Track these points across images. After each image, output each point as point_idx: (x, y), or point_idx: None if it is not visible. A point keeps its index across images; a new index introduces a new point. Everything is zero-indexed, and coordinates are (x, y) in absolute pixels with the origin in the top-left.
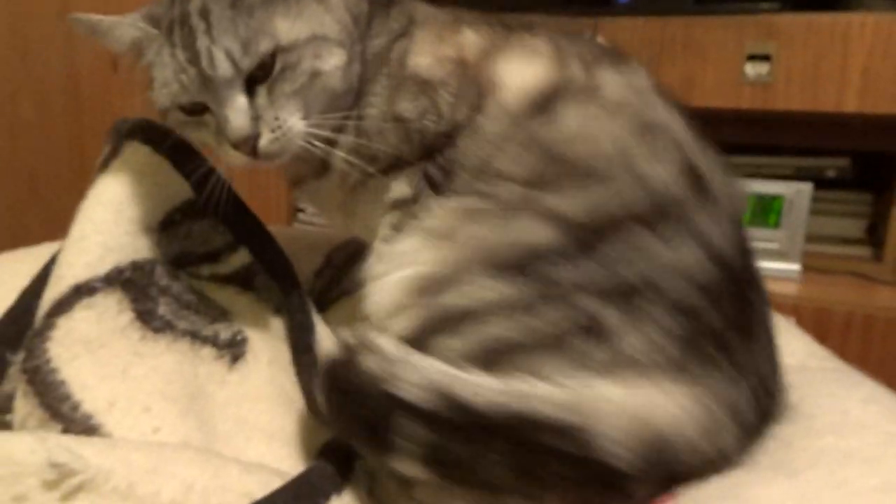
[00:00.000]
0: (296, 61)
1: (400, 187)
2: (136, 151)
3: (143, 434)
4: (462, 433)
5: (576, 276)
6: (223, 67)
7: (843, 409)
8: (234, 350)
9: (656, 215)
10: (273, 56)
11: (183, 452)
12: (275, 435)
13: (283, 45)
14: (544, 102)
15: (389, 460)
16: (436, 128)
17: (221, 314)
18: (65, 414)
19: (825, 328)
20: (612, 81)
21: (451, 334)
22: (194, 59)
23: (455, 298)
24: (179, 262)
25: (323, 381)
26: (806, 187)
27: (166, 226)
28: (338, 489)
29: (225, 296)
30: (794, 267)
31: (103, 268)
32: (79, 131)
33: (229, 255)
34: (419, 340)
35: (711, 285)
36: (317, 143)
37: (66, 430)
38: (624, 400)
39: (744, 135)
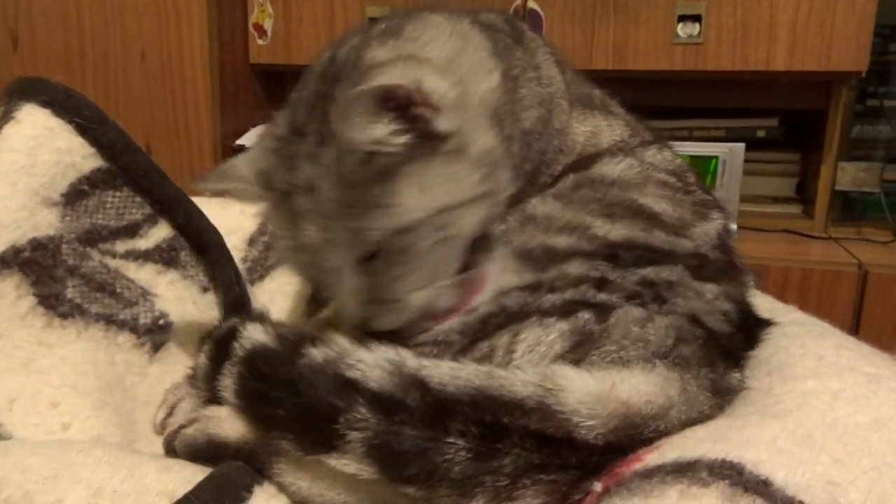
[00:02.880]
0: (413, 241)
1: None
2: (33, 114)
3: (51, 432)
4: (419, 415)
5: (585, 270)
6: (332, 259)
7: (818, 355)
8: (155, 337)
9: None
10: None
11: (90, 453)
12: None
13: (402, 226)
14: None
15: (327, 456)
16: None
17: (141, 296)
18: None
19: (763, 284)
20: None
21: None
22: (303, 246)
23: None
24: (90, 239)
25: (242, 368)
26: (739, 148)
27: (72, 198)
28: (258, 480)
29: (144, 275)
30: (731, 226)
31: None
32: None
33: (149, 229)
34: None
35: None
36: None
37: None
38: (595, 377)
39: (677, 97)
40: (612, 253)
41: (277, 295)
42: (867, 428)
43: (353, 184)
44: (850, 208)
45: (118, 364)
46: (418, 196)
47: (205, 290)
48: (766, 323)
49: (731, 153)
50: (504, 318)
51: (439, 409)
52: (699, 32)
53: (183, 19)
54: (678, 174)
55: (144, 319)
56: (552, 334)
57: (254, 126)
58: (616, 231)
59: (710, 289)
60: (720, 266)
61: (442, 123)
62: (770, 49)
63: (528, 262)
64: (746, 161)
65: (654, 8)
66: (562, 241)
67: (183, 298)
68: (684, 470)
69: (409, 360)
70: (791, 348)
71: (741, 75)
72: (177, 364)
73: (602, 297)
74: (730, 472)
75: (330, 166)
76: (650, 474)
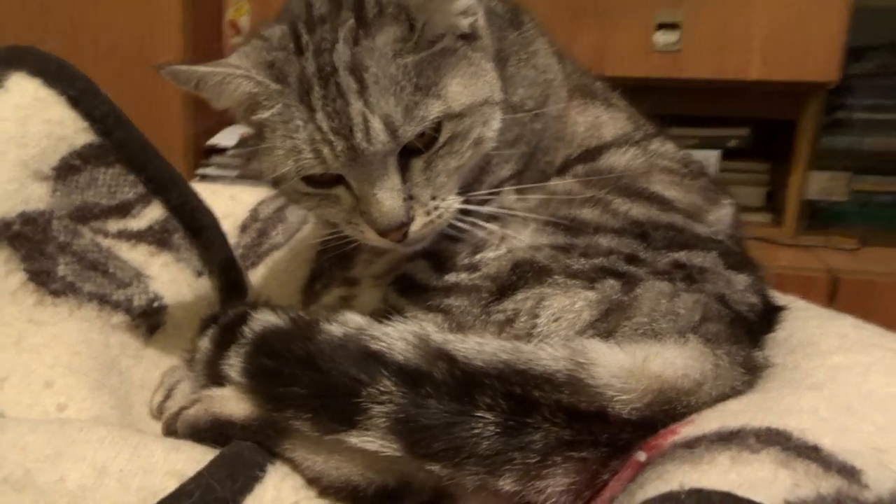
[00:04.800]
0: (466, 130)
1: None
2: (23, 84)
3: (46, 412)
4: (447, 388)
5: (616, 244)
6: (380, 139)
7: (839, 333)
8: (150, 319)
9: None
10: (439, 124)
11: (92, 431)
12: None
13: (454, 110)
14: None
15: (347, 434)
16: None
17: (135, 277)
18: None
19: None
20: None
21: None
22: (343, 127)
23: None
24: (81, 217)
25: (251, 348)
26: (713, 156)
27: (63, 173)
28: (270, 459)
29: (137, 256)
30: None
31: None
32: None
33: (142, 209)
34: None
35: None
36: (467, 220)
37: None
38: (626, 351)
39: (654, 104)
40: (643, 232)
41: (271, 282)
42: None
43: (405, 65)
44: (818, 217)
45: (113, 346)
46: (462, 88)
47: (199, 273)
48: (780, 308)
49: (705, 160)
50: (533, 273)
51: (467, 381)
52: (677, 41)
53: (157, 14)
54: (683, 163)
55: (139, 301)
56: (578, 302)
57: (227, 126)
58: (637, 209)
59: (741, 279)
60: (743, 256)
61: (481, 20)
62: (746, 59)
63: (559, 229)
64: (719, 169)
65: (633, 16)
66: (587, 214)
67: (177, 281)
68: (730, 438)
69: (434, 333)
70: (808, 329)
71: (717, 84)
72: (172, 347)
73: (631, 269)
74: (778, 439)
75: (379, 48)
76: (692, 444)
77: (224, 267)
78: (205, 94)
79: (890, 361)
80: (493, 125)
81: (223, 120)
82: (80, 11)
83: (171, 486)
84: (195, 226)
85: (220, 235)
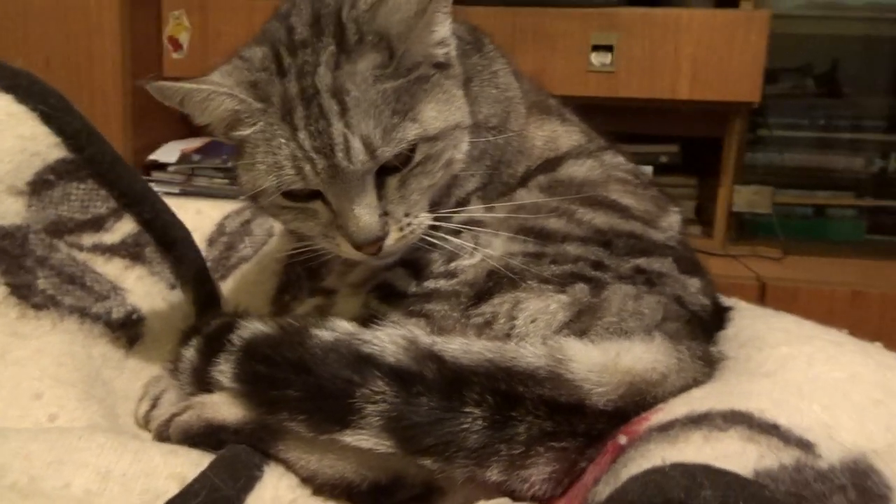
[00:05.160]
0: (439, 152)
1: None
2: None
3: (38, 424)
4: (436, 387)
5: (583, 252)
6: (360, 158)
7: (783, 328)
8: (129, 331)
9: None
10: (414, 146)
11: (91, 439)
12: None
13: (429, 133)
14: None
15: (341, 433)
16: None
17: (112, 290)
18: None
19: None
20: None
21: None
22: (324, 146)
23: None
24: (57, 231)
25: (241, 355)
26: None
27: (37, 187)
28: (265, 461)
29: (112, 269)
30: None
31: None
32: None
33: (114, 223)
34: None
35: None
36: (437, 234)
37: None
38: (600, 348)
39: (591, 123)
40: (607, 240)
41: (240, 294)
42: (844, 381)
43: (384, 90)
44: (745, 228)
45: (95, 357)
46: (436, 113)
47: (172, 286)
48: (727, 308)
49: None
50: (507, 279)
51: (455, 380)
52: (611, 62)
53: (93, 28)
54: (634, 174)
55: (117, 314)
56: (552, 305)
57: (167, 141)
58: (599, 218)
59: (693, 283)
60: (692, 260)
61: (453, 50)
62: (675, 79)
63: (529, 238)
64: None
65: (570, 38)
66: (554, 224)
67: (152, 294)
68: (699, 420)
69: (423, 336)
70: (756, 325)
71: (649, 103)
72: (152, 358)
73: (597, 274)
74: (742, 419)
75: (360, 73)
76: (666, 427)
77: (198, 279)
78: (188, 109)
79: (830, 350)
80: (462, 148)
81: (163, 135)
82: (14, 25)
83: (172, 488)
84: (167, 239)
85: (193, 249)
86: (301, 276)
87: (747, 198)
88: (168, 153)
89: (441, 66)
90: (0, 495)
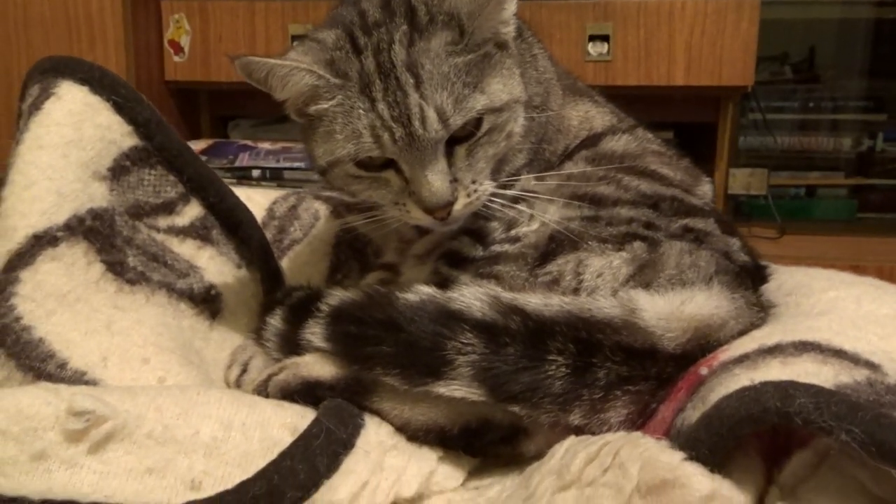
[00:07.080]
0: (503, 123)
1: None
2: (73, 92)
3: (150, 385)
4: (521, 338)
5: (634, 214)
6: (434, 127)
7: (825, 277)
8: (210, 306)
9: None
10: (480, 117)
11: (209, 394)
12: None
13: (495, 105)
14: None
15: (434, 384)
16: None
17: (189, 268)
18: (51, 373)
19: None
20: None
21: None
22: (402, 116)
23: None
24: (136, 213)
25: (330, 319)
26: None
27: (117, 173)
28: (361, 413)
29: (187, 249)
30: None
31: (61, 216)
32: None
33: (183, 207)
34: None
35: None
36: (496, 201)
37: None
38: (665, 298)
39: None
40: (654, 203)
41: (296, 274)
42: (892, 317)
43: (455, 65)
44: (741, 210)
45: (185, 329)
46: (501, 86)
47: (238, 266)
48: (765, 266)
49: None
50: (568, 241)
51: (539, 330)
52: (608, 51)
53: (97, 35)
54: (666, 147)
55: (198, 289)
56: (615, 261)
57: None
58: (644, 184)
59: (734, 242)
60: (729, 223)
61: (513, 31)
62: (670, 66)
63: (583, 203)
64: None
65: (567, 29)
66: (604, 189)
67: (224, 272)
68: (772, 351)
69: (503, 293)
70: (796, 277)
71: (645, 90)
72: (232, 330)
73: (650, 233)
74: (811, 347)
75: (433, 49)
76: (741, 360)
77: (263, 259)
78: (271, 83)
79: (874, 293)
80: (520, 121)
81: None
82: (16, 31)
83: (286, 436)
84: (232, 222)
85: (258, 230)
86: (350, 256)
87: (743, 180)
88: None
89: (502, 46)
90: (139, 442)
